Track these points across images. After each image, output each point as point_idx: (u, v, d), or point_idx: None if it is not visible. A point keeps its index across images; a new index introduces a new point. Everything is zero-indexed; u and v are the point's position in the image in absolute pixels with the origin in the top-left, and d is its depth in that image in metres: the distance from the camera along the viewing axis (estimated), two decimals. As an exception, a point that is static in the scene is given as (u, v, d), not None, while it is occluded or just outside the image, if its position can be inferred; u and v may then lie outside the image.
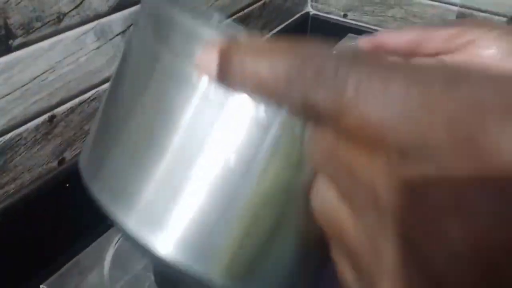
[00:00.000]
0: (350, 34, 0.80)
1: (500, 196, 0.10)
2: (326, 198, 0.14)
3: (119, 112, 0.18)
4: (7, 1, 0.40)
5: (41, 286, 0.47)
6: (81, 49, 0.48)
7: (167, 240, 0.16)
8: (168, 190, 0.16)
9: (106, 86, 0.54)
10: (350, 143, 0.12)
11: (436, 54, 0.21)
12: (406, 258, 0.11)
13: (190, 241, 0.16)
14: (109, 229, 0.52)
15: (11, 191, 0.48)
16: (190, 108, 0.15)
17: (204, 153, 0.15)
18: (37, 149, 0.49)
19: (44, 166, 0.50)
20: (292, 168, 0.15)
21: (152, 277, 0.47)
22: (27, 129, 0.47)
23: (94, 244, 0.51)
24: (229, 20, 0.15)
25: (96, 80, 0.52)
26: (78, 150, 0.53)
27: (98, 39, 0.50)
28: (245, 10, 0.72)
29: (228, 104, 0.15)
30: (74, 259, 0.49)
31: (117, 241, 0.51)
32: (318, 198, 0.14)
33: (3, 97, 0.43)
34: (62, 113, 0.50)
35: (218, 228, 0.16)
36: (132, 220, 0.16)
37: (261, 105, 0.14)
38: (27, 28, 0.43)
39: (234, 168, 0.15)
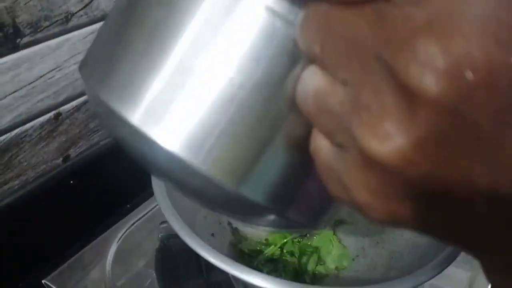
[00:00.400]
0: None
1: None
2: (311, 82, 0.15)
3: (125, 12, 0.18)
4: (16, 0, 0.41)
5: (43, 281, 0.47)
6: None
7: (172, 134, 0.16)
8: (174, 86, 0.16)
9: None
10: (342, 8, 0.14)
11: None
12: (389, 94, 0.12)
13: (194, 137, 0.16)
14: (112, 226, 0.53)
15: (16, 187, 0.48)
16: (201, 5, 0.16)
17: (212, 51, 0.16)
18: (42, 146, 0.49)
19: (49, 163, 0.51)
20: (289, 69, 0.16)
21: (154, 274, 0.48)
22: (32, 126, 0.47)
23: (96, 240, 0.51)
24: None
25: (101, 79, 0.52)
26: (83, 148, 0.54)
27: (104, 38, 0.51)
28: None
29: (238, 3, 0.15)
30: (77, 255, 0.50)
31: (120, 238, 0.52)
32: (304, 85, 0.16)
33: (10, 94, 0.44)
34: (68, 111, 0.50)
35: (220, 126, 0.16)
36: (137, 115, 0.16)
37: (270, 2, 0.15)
38: (35, 27, 0.43)
39: (239, 68, 0.16)
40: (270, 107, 0.16)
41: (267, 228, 0.20)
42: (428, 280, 0.35)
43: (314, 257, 0.46)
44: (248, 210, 0.19)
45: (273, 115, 0.16)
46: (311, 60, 0.15)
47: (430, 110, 0.12)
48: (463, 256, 0.36)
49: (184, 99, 0.16)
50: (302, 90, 0.16)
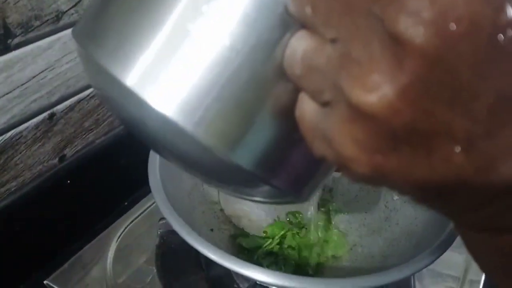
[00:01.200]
0: None
1: None
2: (300, 45, 0.16)
3: None
4: (6, 1, 0.41)
5: (44, 282, 0.47)
6: (79, 47, 0.49)
7: (166, 98, 0.16)
8: (169, 49, 0.16)
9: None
10: None
11: None
12: (378, 46, 0.13)
13: (187, 101, 0.16)
14: (111, 224, 0.53)
15: (13, 188, 0.48)
16: None
17: (206, 16, 0.16)
18: (38, 147, 0.49)
19: (45, 164, 0.51)
20: (280, 36, 0.16)
21: (155, 270, 0.48)
22: (27, 127, 0.47)
23: (96, 239, 0.52)
24: None
25: (94, 77, 0.52)
26: (79, 147, 0.54)
27: (96, 37, 0.50)
28: None
29: None
30: (77, 255, 0.50)
31: (119, 236, 0.52)
32: (292, 48, 0.16)
33: (3, 95, 0.44)
34: (62, 111, 0.50)
35: (214, 91, 0.16)
36: (131, 77, 0.16)
37: None
38: (26, 27, 0.43)
39: (233, 33, 0.16)
40: (263, 73, 0.17)
41: (253, 198, 0.21)
42: (426, 267, 0.35)
43: (316, 250, 0.46)
44: (235, 177, 0.19)
45: (266, 82, 0.17)
46: (302, 23, 0.16)
47: (416, 59, 0.12)
48: (458, 241, 0.36)
49: (179, 63, 0.16)
50: (290, 54, 0.16)
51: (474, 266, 0.51)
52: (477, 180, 0.14)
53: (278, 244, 0.45)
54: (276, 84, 0.17)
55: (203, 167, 0.20)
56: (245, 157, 0.17)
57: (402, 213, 0.47)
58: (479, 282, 0.50)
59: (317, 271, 0.45)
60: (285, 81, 0.17)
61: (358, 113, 0.14)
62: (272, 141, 0.18)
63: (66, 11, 0.46)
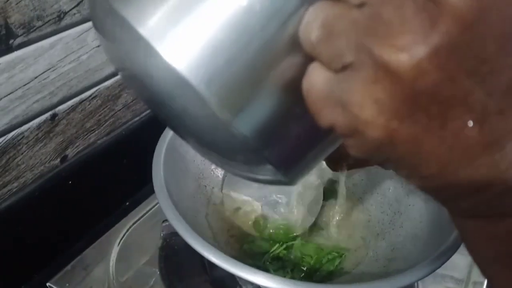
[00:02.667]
0: None
1: None
2: (320, 12, 0.16)
3: None
4: (7, 1, 0.40)
5: (47, 284, 0.47)
6: (82, 47, 0.48)
7: (180, 52, 0.16)
8: (185, 3, 0.16)
9: (107, 83, 0.54)
10: None
11: None
12: (412, 7, 0.13)
13: (200, 59, 0.16)
14: (113, 225, 0.53)
15: (14, 189, 0.48)
16: None
17: None
18: (39, 148, 0.49)
19: (47, 164, 0.50)
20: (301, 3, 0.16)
21: (157, 272, 0.48)
22: (29, 128, 0.47)
23: (98, 240, 0.51)
24: None
25: (97, 78, 0.52)
26: (80, 148, 0.54)
27: (98, 36, 0.50)
28: None
29: None
30: (79, 256, 0.50)
31: (122, 238, 0.52)
32: (311, 15, 0.16)
33: (5, 96, 0.43)
34: (64, 111, 0.50)
35: (228, 52, 0.16)
36: (148, 27, 0.16)
37: None
38: (28, 27, 0.43)
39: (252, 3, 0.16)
40: (277, 41, 0.16)
41: (244, 174, 0.20)
42: (433, 272, 0.35)
43: (334, 261, 0.45)
44: (230, 144, 0.19)
45: (278, 50, 0.17)
46: None
47: (450, 20, 0.13)
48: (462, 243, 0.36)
49: (196, 18, 0.16)
50: (308, 21, 0.16)
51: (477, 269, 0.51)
52: (482, 158, 0.14)
53: (285, 249, 0.44)
54: (288, 54, 0.17)
55: (206, 134, 0.19)
56: (245, 123, 0.17)
57: (407, 216, 0.46)
58: (482, 284, 0.50)
59: (326, 277, 0.44)
60: (296, 51, 0.17)
61: (385, 73, 0.14)
62: (273, 112, 0.18)
63: (68, 11, 0.46)
